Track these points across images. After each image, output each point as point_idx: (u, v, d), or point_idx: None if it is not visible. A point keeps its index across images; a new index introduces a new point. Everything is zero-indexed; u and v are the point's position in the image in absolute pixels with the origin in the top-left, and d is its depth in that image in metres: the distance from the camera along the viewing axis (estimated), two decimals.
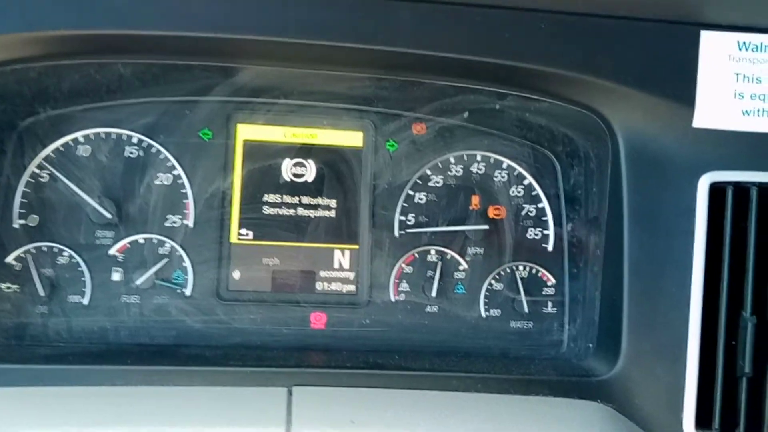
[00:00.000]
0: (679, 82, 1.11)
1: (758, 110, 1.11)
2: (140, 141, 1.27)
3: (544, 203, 1.35)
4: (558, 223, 1.35)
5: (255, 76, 1.22)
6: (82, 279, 1.25)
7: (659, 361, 1.10)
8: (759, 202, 1.08)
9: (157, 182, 1.27)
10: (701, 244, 1.08)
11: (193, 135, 1.29)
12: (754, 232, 1.07)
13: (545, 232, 1.35)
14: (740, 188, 1.09)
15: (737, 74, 1.12)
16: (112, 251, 1.26)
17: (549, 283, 1.35)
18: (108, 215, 1.23)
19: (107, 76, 1.19)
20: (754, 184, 1.08)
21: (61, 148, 1.25)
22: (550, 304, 1.34)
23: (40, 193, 1.24)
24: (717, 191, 1.09)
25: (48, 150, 1.24)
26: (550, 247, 1.35)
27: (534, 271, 1.35)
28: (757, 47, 1.13)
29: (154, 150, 1.27)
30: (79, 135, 1.25)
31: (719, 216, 1.08)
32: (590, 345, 1.24)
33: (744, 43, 1.12)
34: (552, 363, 1.25)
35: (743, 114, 1.11)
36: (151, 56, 1.15)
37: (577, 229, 1.32)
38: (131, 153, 1.27)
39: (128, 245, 1.26)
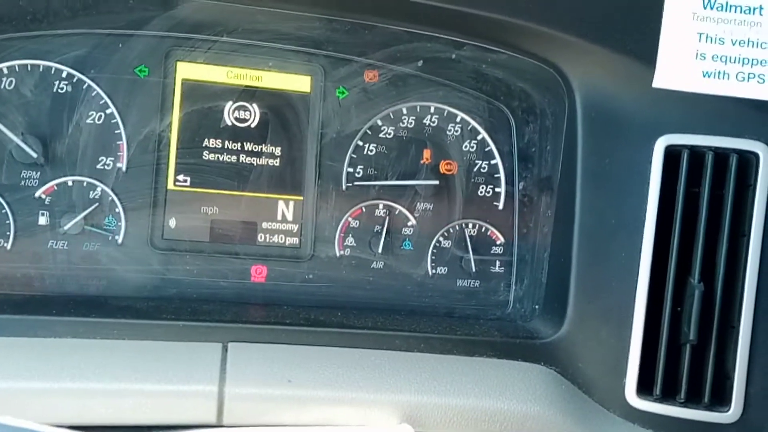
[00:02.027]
0: (641, 39, 1.08)
1: (719, 72, 1.08)
2: (70, 76, 1.21)
3: (497, 160, 1.33)
4: (510, 181, 1.33)
5: (196, 10, 1.17)
6: (6, 222, 1.19)
7: (604, 325, 1.09)
8: (713, 168, 1.06)
9: (88, 121, 1.21)
10: (653, 208, 1.06)
11: (128, 71, 1.23)
12: (707, 198, 1.06)
13: (497, 189, 1.33)
14: (696, 153, 1.07)
15: (700, 34, 1.08)
16: (38, 193, 1.20)
17: (498, 242, 1.33)
18: (33, 154, 1.18)
19: (33, 3, 1.13)
20: (710, 148, 1.06)
21: None
22: (498, 263, 1.33)
23: None
24: (672, 155, 1.07)
25: None
26: (500, 205, 1.33)
27: (483, 229, 1.33)
28: (722, 6, 1.09)
29: (84, 86, 1.21)
30: (2, 66, 1.19)
31: (673, 180, 1.07)
32: (536, 306, 1.23)
33: (709, 1, 1.09)
34: (497, 324, 1.25)
35: (704, 75, 1.08)
36: None
37: (528, 188, 1.31)
38: (60, 88, 1.21)
39: (56, 187, 1.21)
